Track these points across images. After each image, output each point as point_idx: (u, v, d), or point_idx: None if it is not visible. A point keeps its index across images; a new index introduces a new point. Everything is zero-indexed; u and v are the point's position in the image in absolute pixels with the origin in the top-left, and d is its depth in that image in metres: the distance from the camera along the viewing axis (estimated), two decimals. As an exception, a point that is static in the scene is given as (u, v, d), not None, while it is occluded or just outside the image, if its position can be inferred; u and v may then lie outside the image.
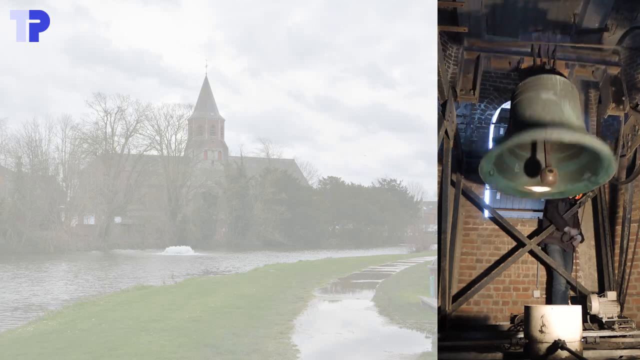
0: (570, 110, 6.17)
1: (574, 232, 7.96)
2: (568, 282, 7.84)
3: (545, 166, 5.88)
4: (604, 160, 5.92)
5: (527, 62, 7.22)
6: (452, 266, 7.45)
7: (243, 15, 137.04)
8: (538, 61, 6.99)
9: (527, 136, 5.92)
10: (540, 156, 6.26)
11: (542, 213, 8.26)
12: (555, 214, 7.96)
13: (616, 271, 7.79)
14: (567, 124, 5.95)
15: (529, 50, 7.19)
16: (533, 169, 6.27)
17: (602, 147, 5.82)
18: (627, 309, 7.64)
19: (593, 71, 7.54)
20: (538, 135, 5.88)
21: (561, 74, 6.86)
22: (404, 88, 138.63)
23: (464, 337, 7.13)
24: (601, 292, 7.72)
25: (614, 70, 7.52)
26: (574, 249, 8.07)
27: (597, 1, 7.53)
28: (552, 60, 7.00)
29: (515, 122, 6.35)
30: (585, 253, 8.19)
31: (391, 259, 40.08)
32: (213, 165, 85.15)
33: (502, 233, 8.06)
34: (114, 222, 64.54)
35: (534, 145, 6.39)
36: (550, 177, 5.76)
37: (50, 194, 58.65)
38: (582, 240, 8.08)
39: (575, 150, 6.28)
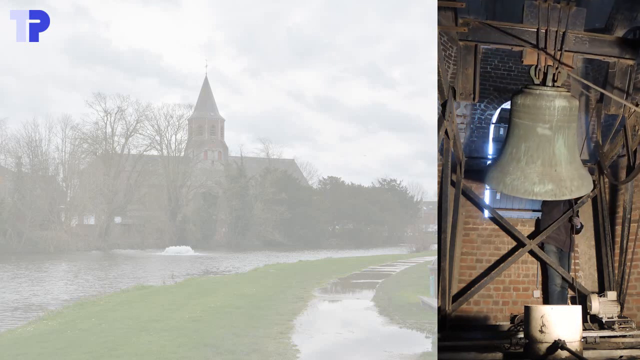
0: (562, 145, 6.53)
1: (576, 220, 7.95)
2: (565, 281, 7.83)
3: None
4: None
5: (530, 56, 6.70)
6: (452, 266, 7.44)
7: (243, 15, 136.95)
8: (542, 59, 6.55)
9: (518, 193, 6.63)
10: None
11: (541, 213, 8.26)
12: (546, 219, 7.96)
13: (616, 271, 7.78)
14: (557, 175, 6.53)
15: (534, 30, 6.45)
16: None
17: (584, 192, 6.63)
18: (627, 309, 7.64)
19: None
20: (527, 195, 6.60)
21: (563, 89, 6.58)
22: (404, 88, 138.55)
23: (464, 337, 7.13)
24: (601, 292, 7.72)
25: (628, 62, 6.95)
26: (571, 248, 8.05)
27: (597, 1, 7.51)
28: (559, 53, 6.43)
29: (510, 145, 6.73)
30: (585, 253, 8.19)
31: (391, 259, 40.02)
32: (213, 165, 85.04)
33: (502, 233, 8.06)
34: (114, 222, 64.48)
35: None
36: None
37: (50, 194, 58.58)
38: (582, 227, 8.02)
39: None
